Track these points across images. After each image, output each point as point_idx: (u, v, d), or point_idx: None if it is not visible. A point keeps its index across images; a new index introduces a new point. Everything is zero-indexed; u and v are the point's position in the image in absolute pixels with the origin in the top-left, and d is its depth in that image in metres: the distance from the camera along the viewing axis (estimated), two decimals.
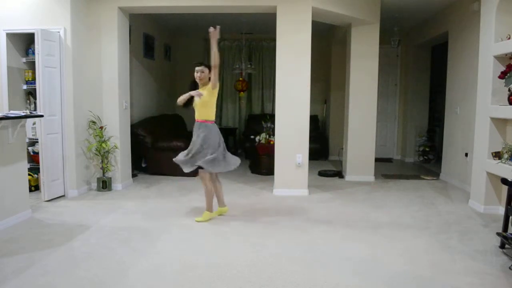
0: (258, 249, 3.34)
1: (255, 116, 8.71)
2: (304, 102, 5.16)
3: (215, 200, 4.19)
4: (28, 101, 5.14)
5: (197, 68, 3.99)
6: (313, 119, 7.50)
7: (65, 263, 3.01)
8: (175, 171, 6.24)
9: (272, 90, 8.57)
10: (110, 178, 5.29)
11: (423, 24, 7.20)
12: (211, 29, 3.75)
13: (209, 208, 4.10)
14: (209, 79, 3.94)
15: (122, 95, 5.38)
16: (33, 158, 5.06)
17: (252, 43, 8.84)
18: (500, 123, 4.31)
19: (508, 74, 3.99)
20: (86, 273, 2.85)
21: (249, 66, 8.21)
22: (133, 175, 6.00)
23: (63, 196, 4.94)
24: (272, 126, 6.03)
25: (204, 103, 3.93)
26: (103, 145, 5.14)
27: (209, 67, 3.96)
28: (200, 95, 3.90)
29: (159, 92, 7.89)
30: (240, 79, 8.03)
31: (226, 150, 4.11)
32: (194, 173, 6.21)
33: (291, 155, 5.24)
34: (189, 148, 4.04)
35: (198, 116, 4.00)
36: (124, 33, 5.43)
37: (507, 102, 4.08)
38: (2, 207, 3.73)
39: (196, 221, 4.04)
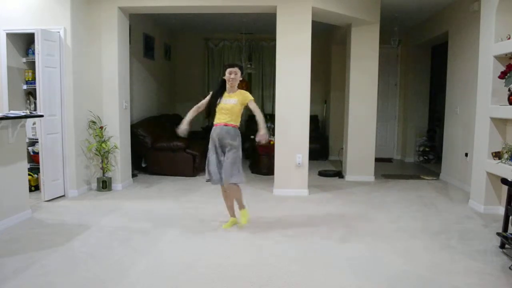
0: (258, 249, 3.34)
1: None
2: (304, 102, 5.17)
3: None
4: (28, 101, 5.14)
5: (230, 70, 3.86)
6: (313, 119, 7.51)
7: (65, 263, 3.01)
8: (175, 171, 6.30)
9: (272, 90, 8.56)
10: (110, 178, 5.29)
11: (423, 24, 7.20)
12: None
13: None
14: (238, 86, 3.96)
15: (122, 95, 5.38)
16: (33, 158, 5.05)
17: (252, 43, 8.84)
18: (500, 123, 4.31)
19: (508, 74, 3.98)
20: (86, 273, 2.85)
21: (249, 66, 8.20)
22: (133, 175, 6.00)
23: (63, 196, 4.94)
24: (272, 126, 6.03)
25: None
26: (103, 145, 5.14)
27: (241, 69, 3.94)
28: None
29: (159, 92, 7.89)
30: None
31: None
32: (193, 173, 6.30)
33: (291, 155, 5.24)
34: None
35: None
36: (124, 33, 5.43)
37: (507, 102, 4.08)
38: (2, 207, 3.73)
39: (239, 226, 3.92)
